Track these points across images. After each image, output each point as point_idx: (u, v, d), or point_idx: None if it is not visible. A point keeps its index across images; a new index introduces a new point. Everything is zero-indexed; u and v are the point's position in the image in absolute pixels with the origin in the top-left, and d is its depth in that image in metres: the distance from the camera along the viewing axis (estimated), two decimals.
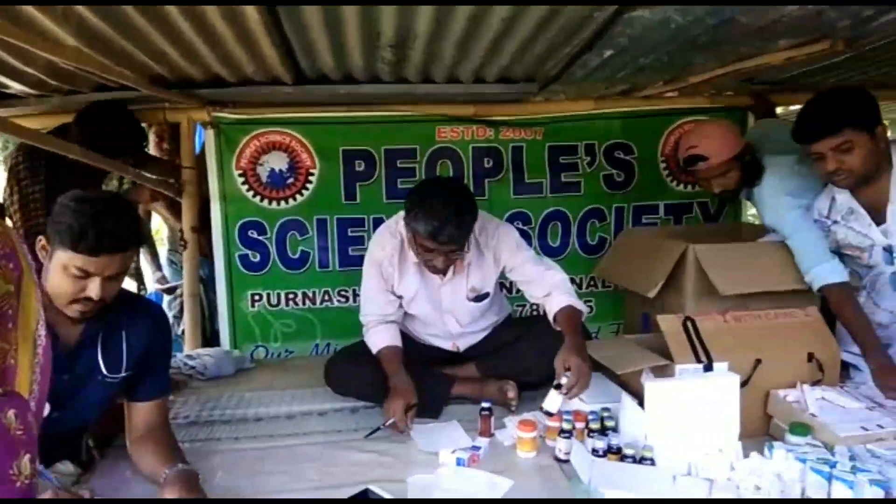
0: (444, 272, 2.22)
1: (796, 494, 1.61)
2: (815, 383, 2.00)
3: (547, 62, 2.29)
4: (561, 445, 1.85)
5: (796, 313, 2.13)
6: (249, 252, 2.93)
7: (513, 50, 2.09)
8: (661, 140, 3.11)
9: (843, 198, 2.17)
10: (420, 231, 2.05)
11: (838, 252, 2.22)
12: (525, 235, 3.06)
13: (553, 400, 1.87)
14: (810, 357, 2.03)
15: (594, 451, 1.79)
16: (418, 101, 2.84)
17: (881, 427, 1.77)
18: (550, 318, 2.18)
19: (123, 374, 1.70)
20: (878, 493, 1.51)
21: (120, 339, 1.69)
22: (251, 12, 1.66)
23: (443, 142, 2.97)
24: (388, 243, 2.28)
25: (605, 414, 1.96)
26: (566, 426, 1.87)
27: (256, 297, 2.97)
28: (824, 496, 1.57)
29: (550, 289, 2.21)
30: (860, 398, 1.94)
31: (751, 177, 2.41)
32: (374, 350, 2.27)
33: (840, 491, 1.55)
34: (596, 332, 3.15)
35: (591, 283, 3.17)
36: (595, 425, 1.91)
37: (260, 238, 2.93)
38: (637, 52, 2.08)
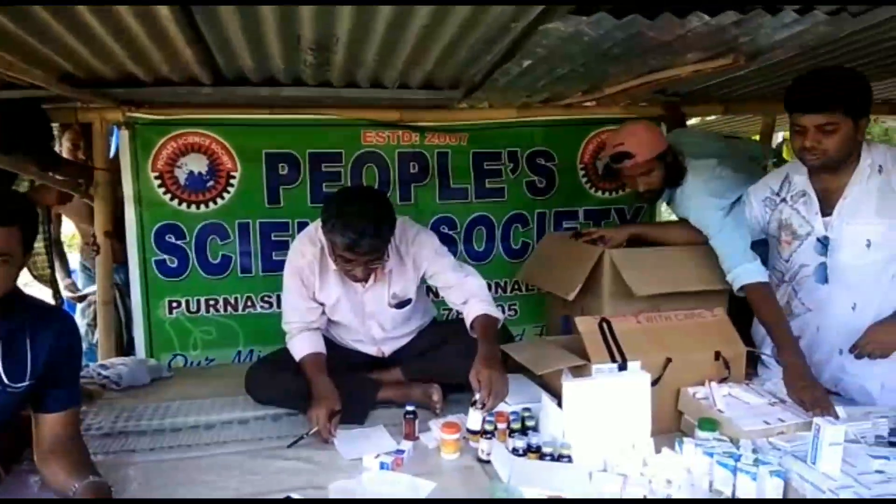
0: (364, 280, 2.21)
1: (704, 487, 1.69)
2: (723, 380, 2.11)
3: (469, 70, 2.32)
4: (483, 446, 1.88)
5: (704, 314, 2.24)
6: (167, 257, 2.84)
7: (435, 57, 2.11)
8: (580, 148, 3.21)
9: (800, 179, 2.20)
10: (338, 243, 2.04)
11: (767, 238, 2.32)
12: (451, 240, 3.10)
13: (473, 418, 1.91)
14: (717, 355, 2.13)
15: (514, 451, 1.82)
16: (343, 105, 2.83)
17: (782, 421, 1.89)
18: (468, 324, 2.22)
19: (27, 384, 1.60)
20: (778, 484, 1.61)
21: (24, 345, 1.60)
22: (163, 10, 1.61)
23: (368, 146, 2.97)
24: (308, 251, 2.25)
25: (526, 414, 2.00)
26: (488, 427, 1.90)
27: (174, 304, 2.88)
28: (730, 488, 1.66)
29: (468, 296, 2.25)
30: (763, 394, 2.06)
31: (674, 177, 2.52)
32: (297, 357, 2.24)
33: (744, 482, 1.64)
34: (521, 334, 3.21)
35: (516, 286, 3.24)
36: (516, 425, 1.95)
37: (178, 243, 2.84)
38: (554, 62, 2.14)
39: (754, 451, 1.74)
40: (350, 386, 2.19)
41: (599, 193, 3.28)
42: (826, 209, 2.13)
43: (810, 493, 1.57)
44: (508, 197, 3.15)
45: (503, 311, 3.23)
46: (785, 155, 6.17)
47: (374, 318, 2.36)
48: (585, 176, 3.25)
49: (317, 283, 2.26)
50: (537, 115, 3.11)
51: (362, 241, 2.01)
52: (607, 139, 2.68)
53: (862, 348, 2.04)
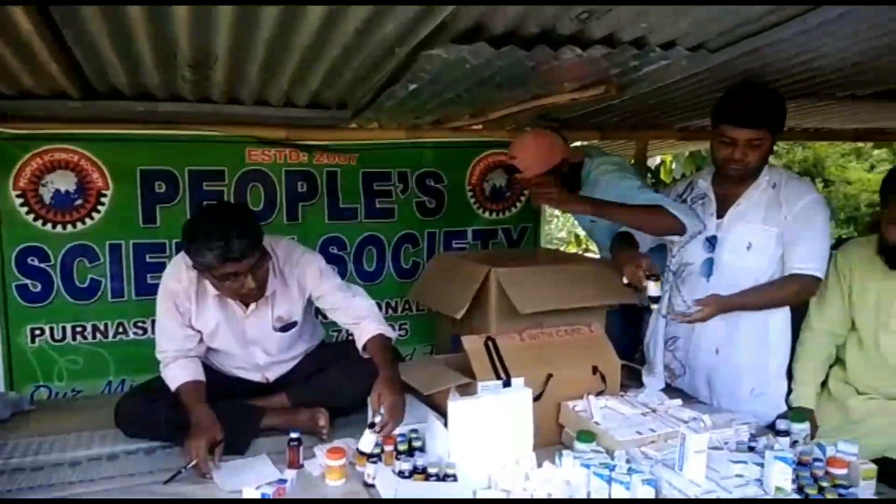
0: (260, 294, 2.14)
1: (582, 496, 1.75)
2: (600, 394, 2.21)
3: (357, 91, 2.33)
4: (369, 470, 1.86)
5: (583, 330, 2.33)
6: (29, 281, 2.63)
7: (320, 77, 2.09)
8: (468, 170, 3.28)
9: (704, 184, 2.43)
10: (210, 261, 1.96)
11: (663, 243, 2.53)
12: (340, 261, 3.07)
13: (367, 440, 1.88)
14: (595, 370, 2.23)
15: (400, 473, 1.82)
16: (226, 122, 2.75)
17: (653, 430, 1.99)
18: (360, 346, 2.20)
19: None
20: (650, 492, 1.69)
21: None
22: (20, 16, 1.51)
23: (254, 164, 2.89)
24: (184, 275, 2.15)
25: (413, 435, 2.00)
26: (375, 450, 1.89)
27: (37, 332, 2.66)
28: (605, 497, 1.73)
29: (358, 318, 2.24)
30: (637, 405, 2.17)
31: (569, 185, 2.62)
32: (174, 386, 2.13)
33: (618, 491, 1.71)
34: (410, 353, 3.22)
35: (406, 306, 3.25)
36: (403, 447, 1.94)
37: (42, 265, 2.64)
38: (439, 87, 2.19)
39: (628, 461, 1.83)
40: (231, 414, 2.10)
41: (487, 214, 3.36)
42: (721, 212, 2.36)
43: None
44: (398, 217, 3.17)
45: (394, 331, 3.25)
46: (662, 176, 6.59)
47: (258, 344, 2.28)
48: (474, 197, 3.32)
49: (193, 309, 2.16)
50: (426, 136, 3.15)
51: (231, 244, 1.92)
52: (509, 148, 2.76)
53: (692, 316, 2.24)
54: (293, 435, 1.98)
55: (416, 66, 1.92)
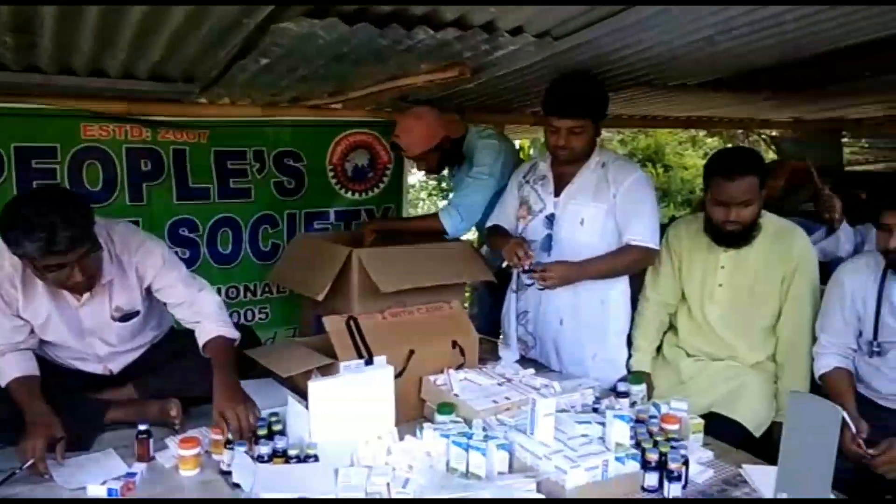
0: (90, 286, 1.98)
1: (442, 467, 1.81)
2: (459, 367, 2.28)
3: (204, 63, 2.21)
4: (225, 457, 1.80)
5: (443, 307, 2.39)
6: None
7: (162, 47, 1.97)
8: (328, 149, 3.23)
9: (544, 165, 2.59)
10: (32, 253, 1.77)
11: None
12: (192, 243, 2.93)
13: (227, 456, 1.81)
14: (454, 344, 2.30)
15: (259, 458, 1.78)
16: (58, 94, 2.51)
17: (508, 399, 2.09)
18: (200, 346, 2.12)
19: None
20: (504, 456, 1.78)
21: None
22: None
23: (90, 140, 2.66)
24: (6, 261, 1.93)
25: (274, 419, 1.96)
26: (231, 437, 1.84)
27: None
28: (464, 464, 1.80)
29: (200, 316, 2.14)
30: (494, 376, 2.26)
31: (452, 161, 2.94)
32: (4, 382, 1.94)
33: (475, 458, 1.78)
34: (272, 336, 3.15)
35: (266, 289, 3.17)
36: (262, 431, 1.90)
37: None
38: (293, 62, 2.14)
39: (484, 428, 1.91)
40: (72, 409, 1.95)
41: (349, 194, 3.34)
42: (557, 191, 2.52)
43: (530, 461, 1.77)
44: (256, 197, 3.07)
45: (253, 315, 3.16)
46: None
47: (96, 335, 2.12)
48: (335, 177, 3.28)
49: (20, 298, 1.97)
50: (284, 114, 3.06)
51: (56, 236, 1.75)
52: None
53: (542, 275, 2.34)
54: (142, 427, 1.87)
55: (267, 39, 1.87)
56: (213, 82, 2.44)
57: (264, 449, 1.78)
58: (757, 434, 2.36)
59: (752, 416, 2.38)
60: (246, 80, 2.41)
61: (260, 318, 3.15)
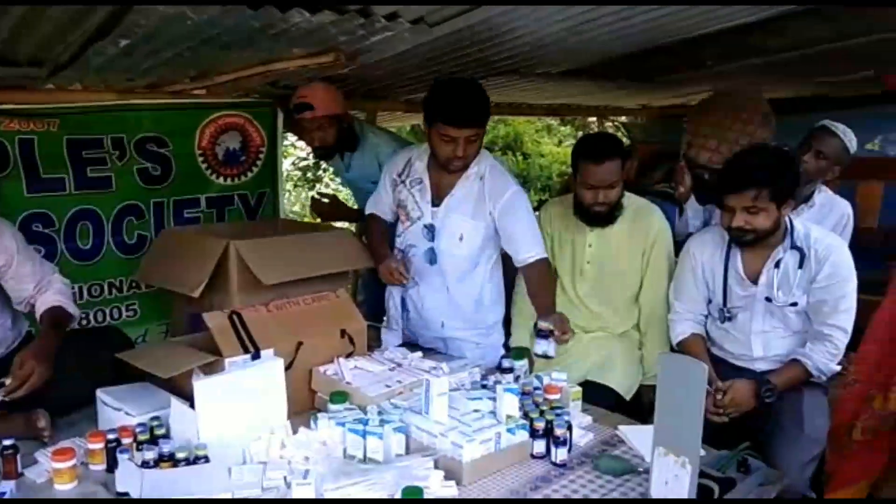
0: None
1: (339, 454, 1.81)
2: (349, 355, 2.28)
3: (55, 45, 2.03)
4: None
5: (329, 296, 2.37)
6: None
7: (7, 28, 1.78)
8: (196, 133, 3.06)
9: (420, 167, 2.51)
10: None
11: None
12: (48, 239, 2.70)
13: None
14: (343, 333, 2.29)
15: (145, 464, 1.69)
16: None
17: (400, 382, 2.12)
18: (38, 315, 2.07)
19: None
20: (401, 438, 1.81)
21: None
22: None
23: None
24: None
25: (155, 423, 1.87)
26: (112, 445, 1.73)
27: None
28: (361, 450, 1.81)
29: (43, 288, 2.09)
30: (384, 362, 2.28)
31: (348, 141, 2.95)
32: None
33: (372, 443, 1.80)
34: (142, 335, 2.98)
35: (134, 285, 2.97)
36: (144, 437, 1.80)
37: None
38: (158, 44, 2.01)
39: (380, 413, 1.92)
40: None
41: (221, 180, 3.19)
42: (436, 200, 2.49)
43: (426, 441, 1.81)
44: (117, 187, 2.85)
45: (120, 314, 2.96)
46: None
47: None
48: (205, 162, 3.12)
49: None
50: (144, 99, 2.86)
51: None
52: (295, 91, 2.85)
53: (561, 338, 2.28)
54: (6, 442, 1.71)
55: (128, 20, 1.74)
56: (63, 66, 2.24)
57: (149, 454, 1.69)
58: (627, 397, 2.57)
59: (623, 382, 2.58)
60: (101, 64, 2.23)
61: (128, 316, 2.95)
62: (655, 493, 1.58)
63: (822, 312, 2.17)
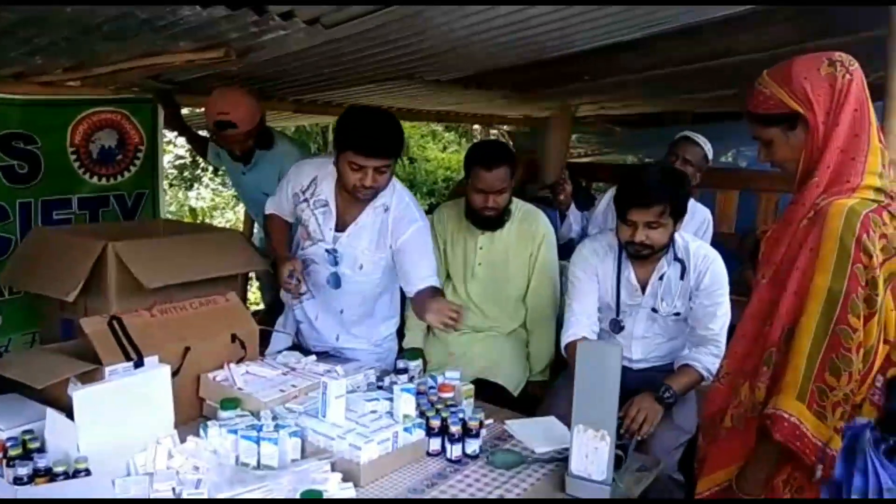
0: None
1: (231, 463, 1.76)
2: (240, 361, 2.22)
3: None
4: None
5: (218, 300, 2.30)
6: None
7: None
8: (68, 130, 2.86)
9: (327, 188, 2.37)
10: None
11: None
12: None
13: None
14: (234, 337, 2.23)
15: (17, 480, 1.57)
16: None
17: (294, 386, 2.09)
18: None
19: None
20: (297, 443, 1.79)
21: None
22: None
23: None
24: None
25: (28, 437, 1.73)
26: None
27: None
28: (255, 457, 1.77)
29: None
30: (277, 366, 2.24)
31: (264, 141, 2.92)
32: None
33: (268, 449, 1.76)
34: (6, 344, 2.75)
35: None
36: (16, 451, 1.67)
37: None
38: (29, 31, 1.88)
39: (274, 418, 1.89)
40: None
41: (96, 179, 2.99)
42: (340, 226, 2.40)
43: (323, 444, 1.80)
44: None
45: None
46: None
47: None
48: (78, 160, 2.92)
49: None
50: (8, 92, 2.65)
51: None
52: (209, 102, 2.72)
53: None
54: None
55: None
56: None
57: (22, 470, 1.57)
58: (515, 393, 2.68)
59: (511, 379, 2.70)
60: None
61: None
62: (575, 467, 1.70)
63: (703, 318, 2.34)
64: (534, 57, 2.69)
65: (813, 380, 1.37)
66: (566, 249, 2.89)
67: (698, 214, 3.03)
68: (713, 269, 2.34)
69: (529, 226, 2.75)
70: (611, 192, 3.15)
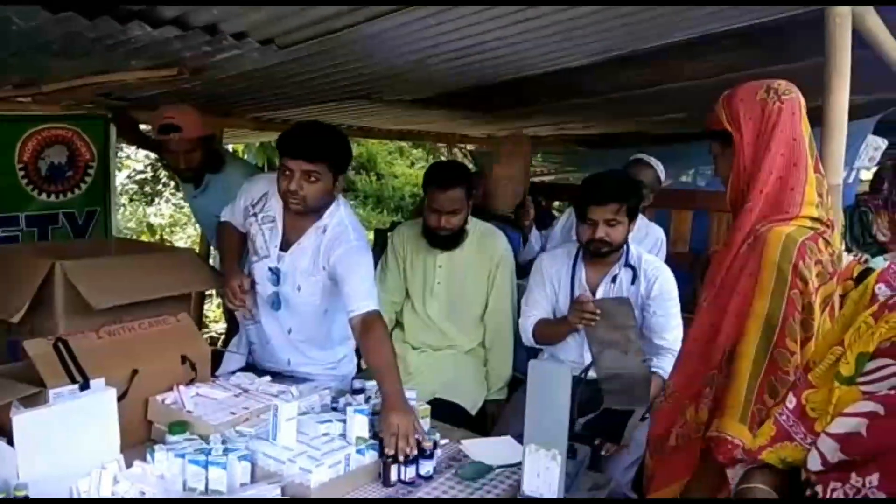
0: None
1: (178, 488, 1.72)
2: (190, 382, 2.17)
3: None
4: None
5: (169, 320, 2.25)
6: None
7: None
8: (17, 146, 2.81)
9: (276, 206, 2.29)
10: None
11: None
12: None
13: None
14: (184, 359, 2.18)
15: None
16: None
17: (246, 409, 2.05)
18: None
19: None
20: (246, 466, 1.76)
21: None
22: None
23: None
24: None
25: None
26: None
27: None
28: (203, 482, 1.73)
29: None
30: (229, 388, 2.20)
31: (213, 163, 2.85)
32: None
33: (216, 474, 1.73)
34: None
35: None
36: None
37: None
38: None
39: (223, 442, 1.86)
40: None
41: (44, 196, 2.93)
42: (285, 245, 2.32)
43: (273, 468, 1.78)
44: None
45: None
46: None
47: None
48: (26, 177, 2.86)
49: None
50: None
51: None
52: (157, 110, 2.69)
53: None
54: None
55: None
56: None
57: None
58: (473, 412, 2.68)
59: (468, 397, 2.70)
60: None
61: None
62: (528, 486, 1.70)
63: (657, 328, 2.46)
64: (489, 80, 2.73)
65: (753, 402, 1.40)
66: (527, 270, 2.92)
67: (652, 234, 3.10)
68: (663, 279, 2.48)
69: (488, 246, 2.77)
70: (569, 210, 3.21)
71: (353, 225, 2.32)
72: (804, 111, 1.55)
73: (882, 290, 0.99)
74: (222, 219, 2.53)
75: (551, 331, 2.57)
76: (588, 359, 2.52)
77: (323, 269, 2.28)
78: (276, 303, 2.38)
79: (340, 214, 2.31)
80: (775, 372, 1.40)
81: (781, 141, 1.50)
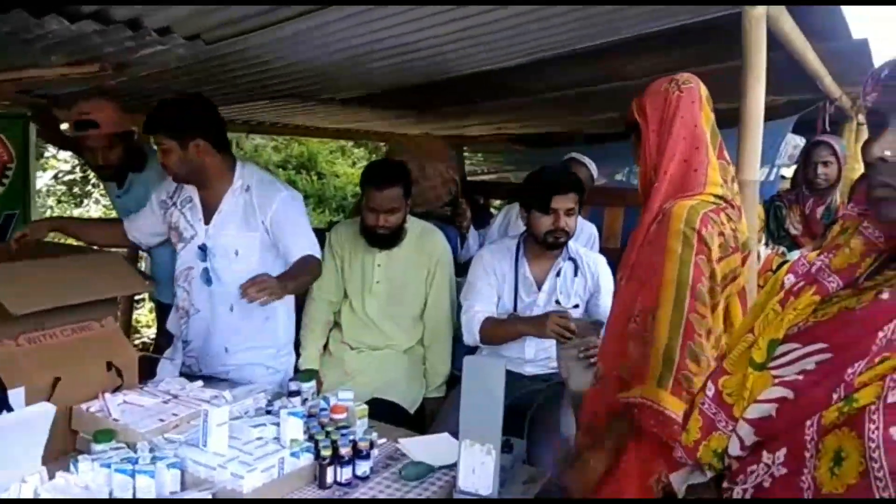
0: None
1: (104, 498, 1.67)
2: (117, 390, 2.10)
3: None
4: None
5: (94, 326, 2.17)
6: None
7: None
8: None
9: (187, 188, 2.40)
10: None
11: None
12: None
13: None
14: (109, 366, 2.11)
15: None
16: None
17: (175, 415, 1.99)
18: None
19: None
20: (176, 474, 1.71)
21: None
22: None
23: None
24: None
25: None
26: None
27: None
28: (130, 491, 1.68)
29: None
30: (158, 394, 2.14)
31: (134, 160, 2.77)
32: None
33: (143, 482, 1.68)
34: None
35: None
36: None
37: None
38: None
39: (151, 449, 1.80)
40: None
41: None
42: (207, 218, 2.37)
43: (204, 474, 1.73)
44: None
45: None
46: None
47: None
48: None
49: None
50: None
51: None
52: (72, 106, 2.58)
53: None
54: None
55: None
56: None
57: None
58: (412, 411, 2.68)
59: (407, 396, 2.70)
60: None
61: None
62: (463, 482, 1.71)
63: (602, 317, 2.48)
64: (420, 80, 2.74)
65: (677, 368, 1.43)
66: (466, 268, 2.93)
67: (586, 230, 3.17)
68: (603, 270, 2.61)
69: (426, 244, 2.77)
70: (506, 208, 3.24)
71: (277, 179, 2.48)
72: (706, 101, 1.63)
73: (789, 279, 1.04)
74: (125, 224, 2.57)
75: (503, 332, 2.53)
76: (529, 354, 2.56)
77: (262, 223, 2.35)
78: (208, 279, 2.40)
79: (257, 173, 2.42)
80: (692, 336, 1.43)
81: (682, 126, 1.57)
